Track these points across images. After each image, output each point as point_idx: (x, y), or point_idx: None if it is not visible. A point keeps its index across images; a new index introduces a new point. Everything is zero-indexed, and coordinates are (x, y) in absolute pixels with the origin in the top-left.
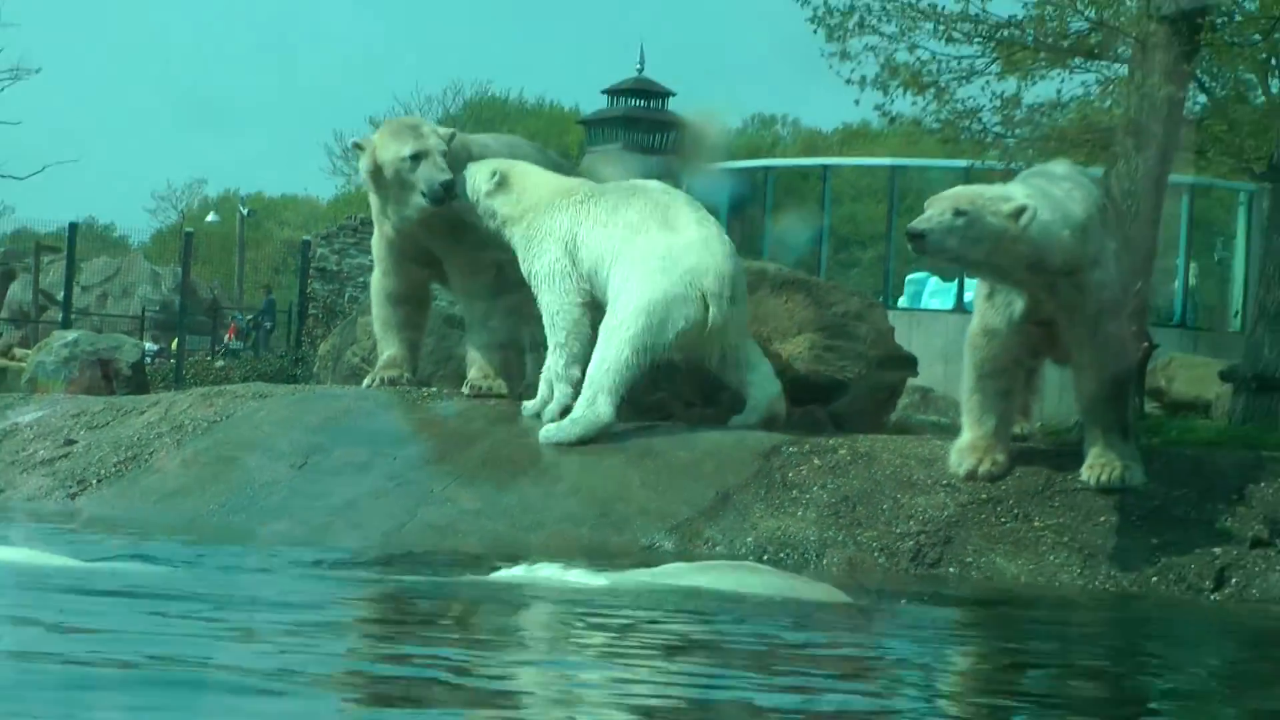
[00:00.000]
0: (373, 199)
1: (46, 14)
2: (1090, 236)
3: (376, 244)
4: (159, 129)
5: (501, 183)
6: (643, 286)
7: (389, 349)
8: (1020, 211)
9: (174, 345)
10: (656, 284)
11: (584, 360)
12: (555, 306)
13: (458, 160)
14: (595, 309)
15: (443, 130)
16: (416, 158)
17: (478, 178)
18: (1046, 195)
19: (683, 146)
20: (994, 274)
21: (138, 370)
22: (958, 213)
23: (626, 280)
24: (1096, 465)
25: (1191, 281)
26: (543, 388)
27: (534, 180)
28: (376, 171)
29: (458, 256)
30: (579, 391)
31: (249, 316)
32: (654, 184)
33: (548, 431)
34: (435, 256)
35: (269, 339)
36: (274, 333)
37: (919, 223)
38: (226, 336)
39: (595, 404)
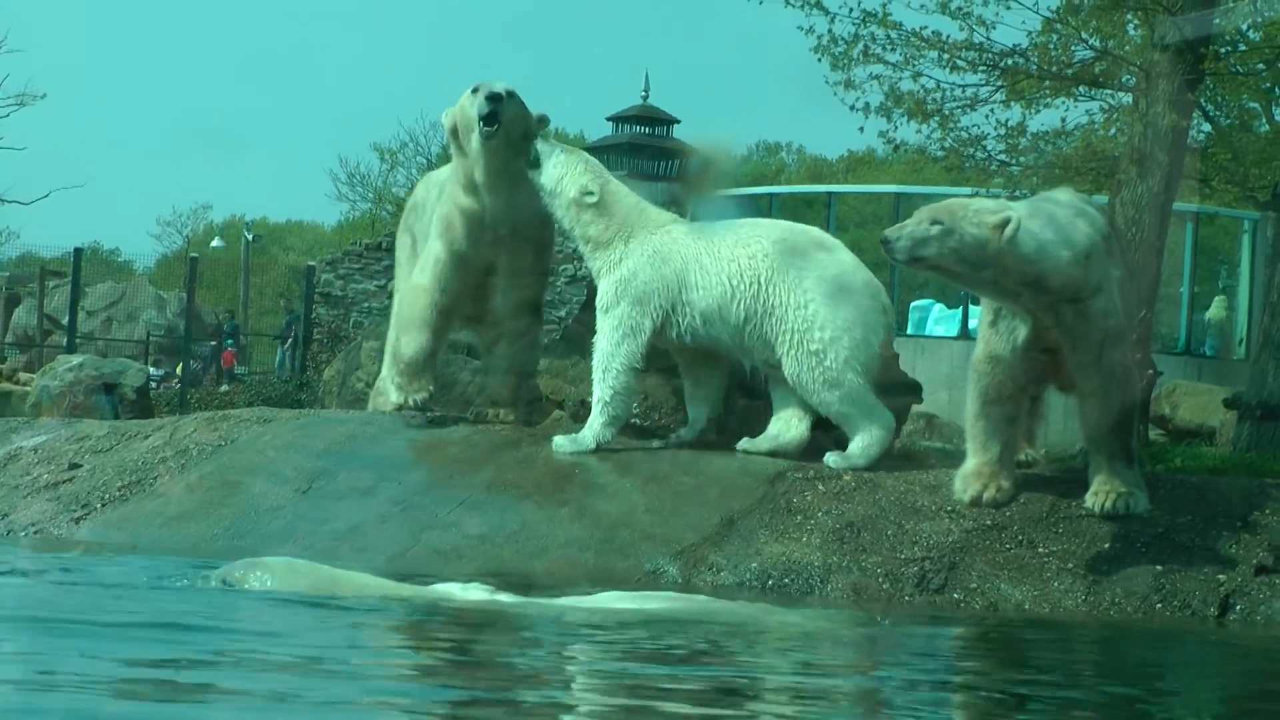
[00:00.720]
0: (448, 193)
1: (52, 40)
2: (1093, 263)
3: (433, 256)
4: (164, 154)
5: (597, 202)
6: (833, 309)
7: (412, 347)
8: (1004, 224)
9: (179, 370)
10: (845, 304)
11: (621, 423)
12: (612, 364)
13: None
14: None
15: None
16: (477, 89)
17: (567, 178)
18: (1046, 215)
19: (688, 174)
20: (993, 292)
21: (143, 394)
22: (934, 222)
23: (802, 308)
24: (1101, 492)
25: (1221, 313)
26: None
27: (626, 205)
28: (454, 131)
29: (519, 266)
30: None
31: (223, 340)
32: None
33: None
34: (487, 273)
35: (295, 355)
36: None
37: (891, 229)
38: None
39: (870, 434)
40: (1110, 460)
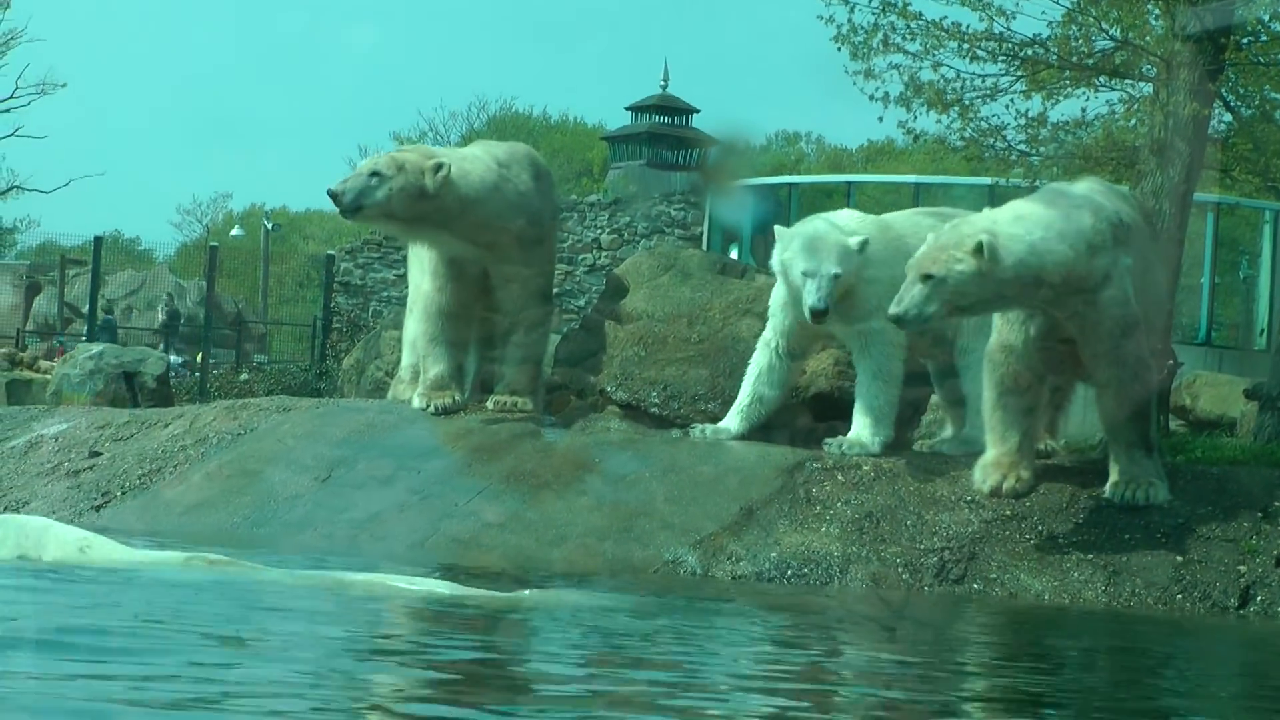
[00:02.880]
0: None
1: (73, 29)
2: (1099, 253)
3: (429, 258)
4: (184, 143)
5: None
6: None
7: (436, 366)
8: (979, 248)
9: (199, 358)
10: None
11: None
12: (898, 339)
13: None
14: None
15: (443, 154)
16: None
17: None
18: (1036, 214)
19: (708, 164)
20: (1006, 305)
21: (162, 383)
22: (925, 278)
23: None
24: (1121, 482)
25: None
26: (867, 423)
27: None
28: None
29: (513, 270)
30: None
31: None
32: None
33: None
34: (487, 271)
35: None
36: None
37: (893, 307)
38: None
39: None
40: (1129, 450)
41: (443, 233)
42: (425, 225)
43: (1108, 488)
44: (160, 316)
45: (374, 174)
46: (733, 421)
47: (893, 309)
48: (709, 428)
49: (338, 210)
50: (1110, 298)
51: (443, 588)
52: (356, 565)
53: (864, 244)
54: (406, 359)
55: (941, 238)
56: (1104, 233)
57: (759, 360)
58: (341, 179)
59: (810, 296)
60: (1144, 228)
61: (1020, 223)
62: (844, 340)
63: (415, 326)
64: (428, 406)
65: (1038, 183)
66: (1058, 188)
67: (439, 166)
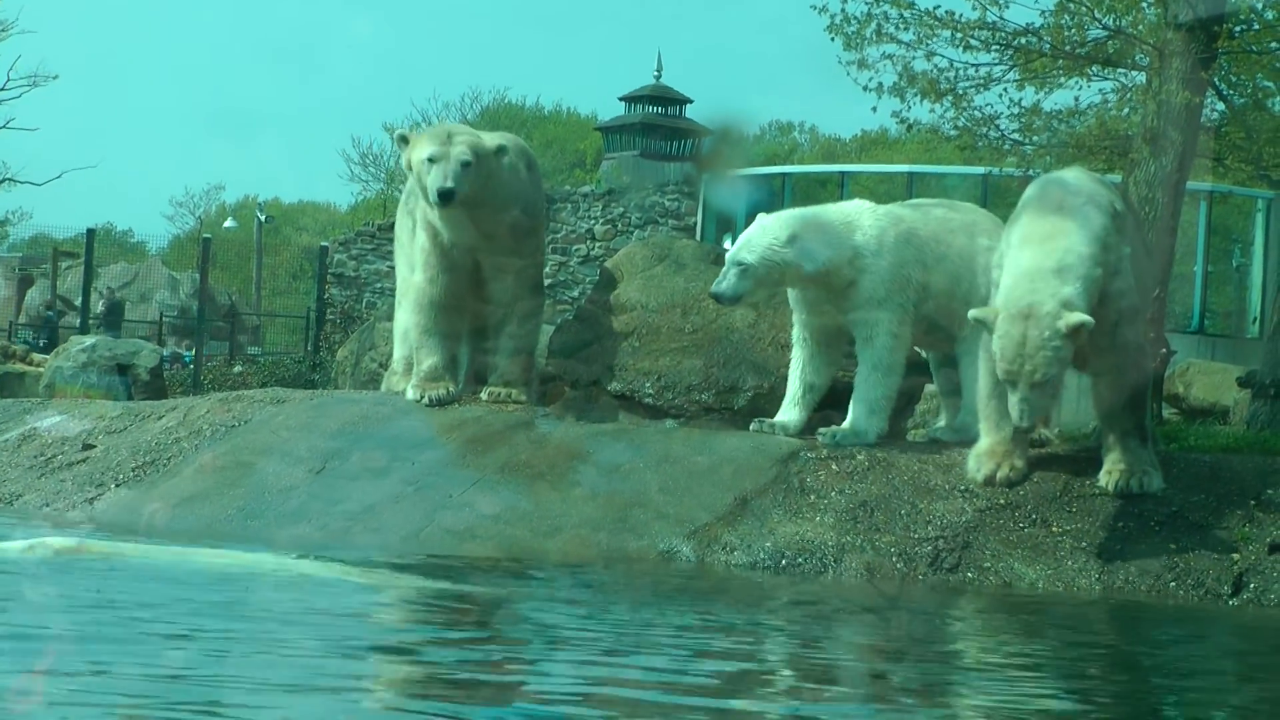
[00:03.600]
0: (421, 203)
1: (64, 21)
2: (1110, 250)
3: (420, 249)
4: (177, 135)
5: (793, 238)
6: None
7: (430, 358)
8: (1079, 327)
9: (185, 350)
10: None
11: None
12: (901, 332)
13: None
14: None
15: (489, 140)
16: (432, 160)
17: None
18: (1072, 257)
19: (702, 154)
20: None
21: (156, 375)
22: (1041, 384)
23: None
24: (1114, 471)
25: None
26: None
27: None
28: (409, 167)
29: (506, 260)
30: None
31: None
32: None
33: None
34: (478, 262)
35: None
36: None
37: (1021, 418)
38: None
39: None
40: (1123, 438)
41: (468, 219)
42: (467, 209)
43: (1102, 476)
44: (99, 308)
45: (465, 164)
46: (790, 414)
47: (1024, 421)
48: (767, 422)
49: (443, 205)
50: (1117, 289)
51: (307, 566)
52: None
53: (791, 239)
54: (399, 351)
55: (1031, 339)
56: (1110, 228)
57: (798, 354)
58: (443, 174)
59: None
60: (1129, 215)
61: (1068, 276)
62: (850, 330)
63: (406, 318)
64: (421, 398)
65: (1031, 172)
66: (1057, 183)
67: (500, 149)
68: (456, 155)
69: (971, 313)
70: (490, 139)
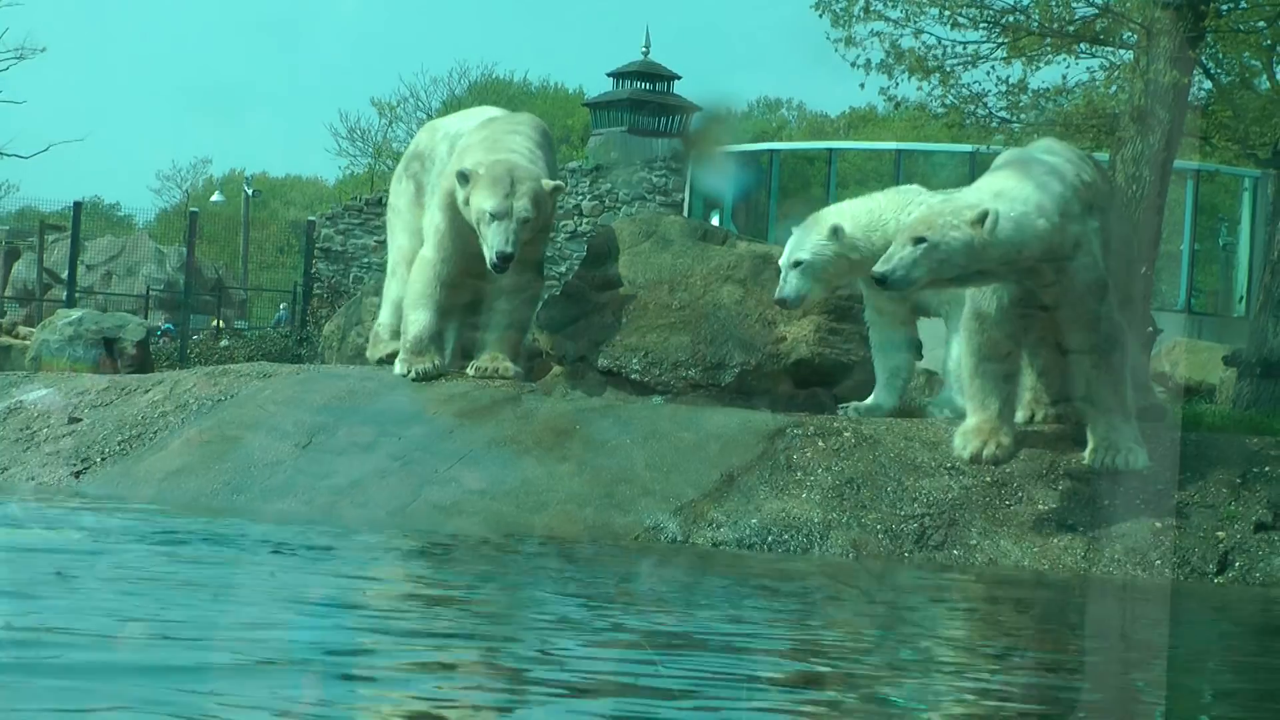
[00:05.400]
0: (445, 182)
1: None
2: (1069, 220)
3: (435, 229)
4: (164, 108)
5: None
6: None
7: (417, 329)
8: (983, 218)
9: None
10: None
11: None
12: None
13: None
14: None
15: (546, 184)
16: (495, 217)
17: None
18: (1016, 188)
19: (690, 130)
20: (979, 281)
21: (142, 349)
22: (916, 241)
23: None
24: (1100, 449)
25: None
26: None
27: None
28: (467, 203)
29: (525, 248)
30: None
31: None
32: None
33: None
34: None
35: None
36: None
37: (880, 265)
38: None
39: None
40: (1107, 416)
41: None
42: None
43: (1087, 454)
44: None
45: (526, 220)
46: (882, 396)
47: (880, 267)
48: (860, 406)
49: (499, 269)
50: (1082, 264)
51: None
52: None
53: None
54: (386, 317)
55: (937, 206)
56: (1072, 200)
57: (874, 338)
58: (504, 237)
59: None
60: (1104, 187)
61: (1002, 199)
62: (934, 309)
63: (399, 287)
64: (408, 372)
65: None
66: (1021, 155)
67: (556, 189)
68: (519, 213)
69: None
70: (546, 181)
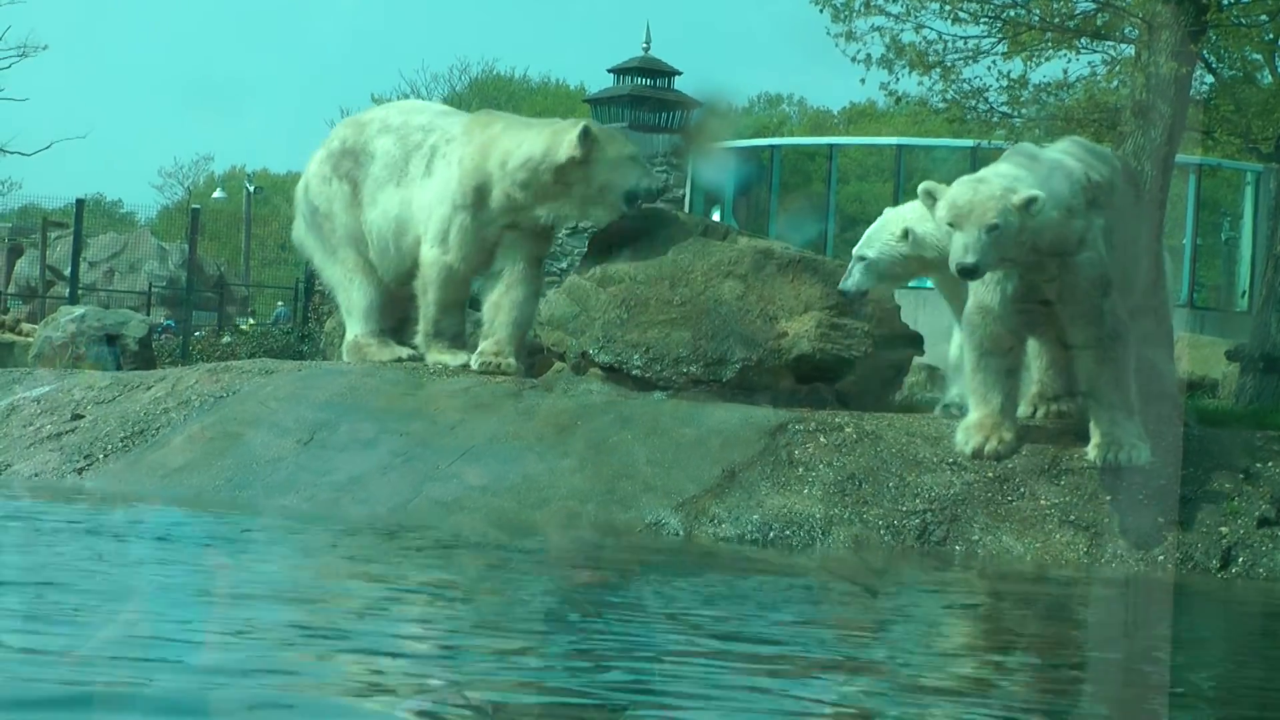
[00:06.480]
0: (500, 186)
1: None
2: (1075, 215)
3: (459, 228)
4: (166, 106)
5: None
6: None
7: (454, 329)
8: (1030, 202)
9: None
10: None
11: None
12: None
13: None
14: None
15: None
16: (635, 159)
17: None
18: (1027, 179)
19: (690, 126)
20: (1003, 266)
21: (145, 345)
22: (990, 229)
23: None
24: (1103, 444)
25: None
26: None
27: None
28: (581, 163)
29: (533, 243)
30: None
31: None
32: None
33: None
34: (498, 239)
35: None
36: None
37: (965, 257)
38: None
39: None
40: (1111, 412)
41: None
42: None
43: (1090, 449)
44: None
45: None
46: None
47: (967, 258)
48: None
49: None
50: (1086, 260)
51: None
52: None
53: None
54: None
55: (980, 191)
56: (1078, 196)
57: (956, 336)
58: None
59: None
60: (1122, 186)
61: (1018, 184)
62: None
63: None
64: (476, 366)
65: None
66: (1028, 150)
67: None
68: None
69: (922, 186)
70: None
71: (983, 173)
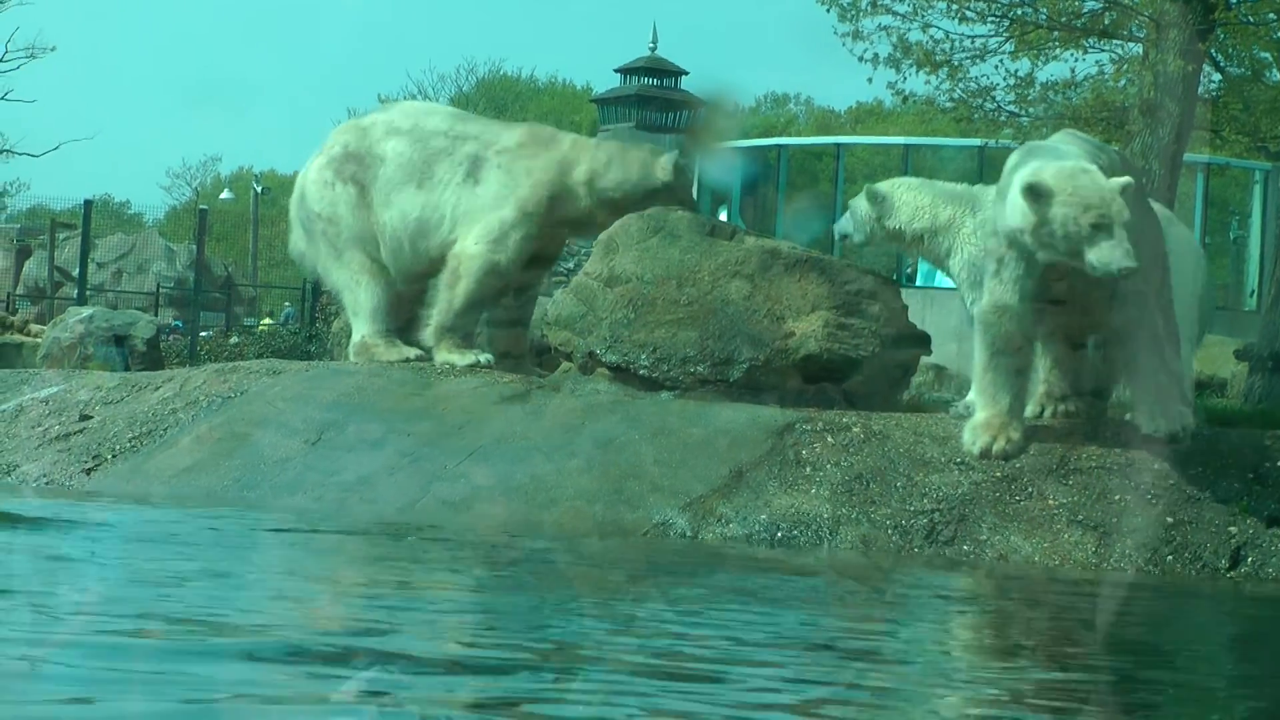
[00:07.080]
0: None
1: None
2: None
3: (521, 233)
4: (174, 106)
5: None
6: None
7: (467, 326)
8: (1127, 188)
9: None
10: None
11: None
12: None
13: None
14: None
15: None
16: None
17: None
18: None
19: (697, 126)
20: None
21: (153, 346)
22: (1088, 210)
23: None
24: (1155, 416)
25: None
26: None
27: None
28: (670, 188)
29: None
30: None
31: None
32: None
33: None
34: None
35: None
36: None
37: (1128, 260)
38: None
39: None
40: (1155, 382)
41: None
42: None
43: (1145, 423)
44: None
45: None
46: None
47: (1132, 260)
48: None
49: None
50: None
51: None
52: None
53: None
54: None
55: (1106, 185)
56: None
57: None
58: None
59: None
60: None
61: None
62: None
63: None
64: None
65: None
66: (1039, 147)
67: None
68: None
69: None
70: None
71: (1071, 166)
